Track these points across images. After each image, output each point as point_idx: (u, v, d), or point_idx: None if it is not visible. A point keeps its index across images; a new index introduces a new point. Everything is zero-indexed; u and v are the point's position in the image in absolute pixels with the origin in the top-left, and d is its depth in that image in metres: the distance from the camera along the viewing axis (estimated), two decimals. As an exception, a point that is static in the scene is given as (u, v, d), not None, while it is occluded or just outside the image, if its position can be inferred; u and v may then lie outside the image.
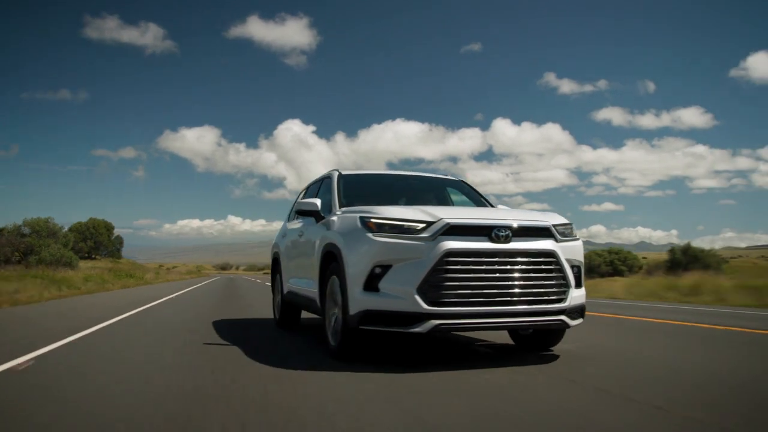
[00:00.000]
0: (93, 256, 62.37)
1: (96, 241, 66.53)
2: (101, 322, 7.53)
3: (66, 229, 40.68)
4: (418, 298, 3.99)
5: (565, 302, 4.31)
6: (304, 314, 7.00)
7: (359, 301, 4.18)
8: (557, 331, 4.87)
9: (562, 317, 4.31)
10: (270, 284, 7.96)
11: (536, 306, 4.21)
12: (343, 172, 5.88)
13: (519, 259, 4.18)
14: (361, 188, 5.76)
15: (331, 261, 4.80)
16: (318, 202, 5.35)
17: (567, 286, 4.34)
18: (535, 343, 5.04)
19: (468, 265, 4.06)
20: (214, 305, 11.70)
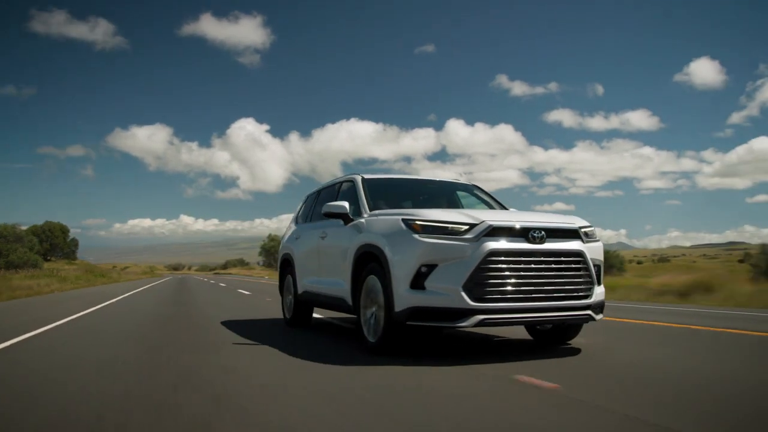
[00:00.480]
0: (48, 258, 61.43)
1: (52, 243, 66.78)
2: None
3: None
4: (464, 294, 4.30)
5: (591, 298, 4.71)
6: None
7: (406, 298, 4.46)
8: (576, 326, 5.26)
9: (589, 312, 4.70)
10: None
11: (567, 302, 4.58)
12: (366, 177, 6.14)
13: (552, 259, 4.55)
14: (381, 192, 6.01)
15: (368, 261, 5.07)
16: (346, 205, 5.59)
17: (592, 283, 4.74)
18: (553, 338, 5.42)
19: (508, 264, 4.40)
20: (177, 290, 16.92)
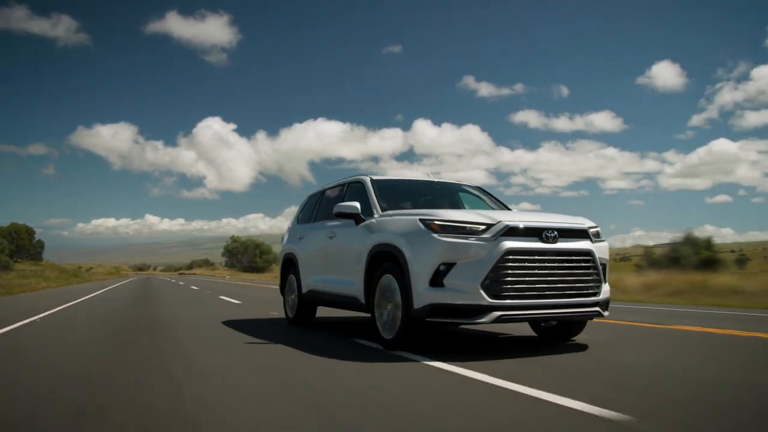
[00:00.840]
0: (16, 259, 60.69)
1: (18, 244, 66.18)
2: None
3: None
4: (482, 292, 4.48)
5: (599, 295, 4.94)
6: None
7: (426, 296, 4.62)
8: (580, 323, 5.49)
9: (597, 309, 4.92)
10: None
11: (578, 299, 4.80)
12: (374, 178, 6.28)
13: (564, 258, 4.76)
14: (386, 192, 6.13)
15: (383, 260, 5.21)
16: (358, 205, 5.72)
17: (600, 281, 4.97)
18: (558, 335, 5.64)
19: (524, 262, 4.59)
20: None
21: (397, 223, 5.16)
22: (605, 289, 5.03)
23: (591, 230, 5.04)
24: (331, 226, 6.44)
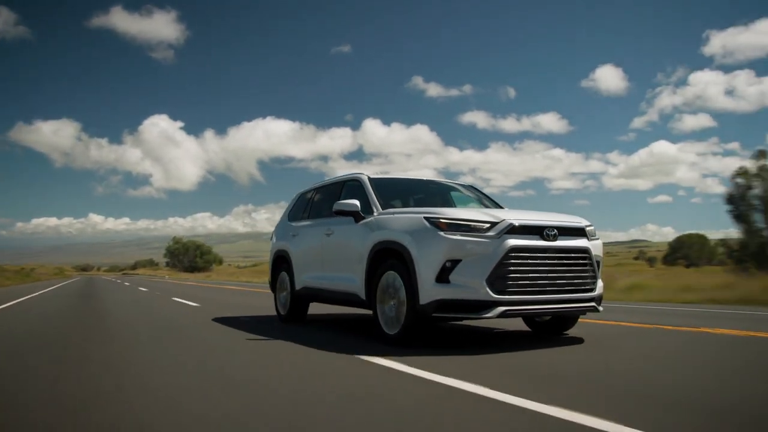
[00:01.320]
0: (-47, 259, 57.68)
1: None
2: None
3: None
4: (487, 288, 4.66)
5: (595, 291, 5.19)
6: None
7: (432, 292, 4.76)
8: (574, 317, 5.73)
9: (593, 304, 5.18)
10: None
11: (576, 294, 5.05)
12: (371, 176, 6.40)
13: (563, 255, 4.99)
14: (381, 191, 6.25)
15: (386, 257, 5.34)
16: (358, 203, 5.83)
17: (596, 277, 5.22)
18: (551, 329, 5.88)
19: (526, 259, 4.80)
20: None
21: (400, 220, 5.29)
22: (599, 285, 5.29)
23: (587, 228, 5.28)
24: (327, 224, 6.52)
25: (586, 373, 3.88)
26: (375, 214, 5.75)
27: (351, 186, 6.54)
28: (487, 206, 6.62)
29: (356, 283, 5.75)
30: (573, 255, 5.05)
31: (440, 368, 3.94)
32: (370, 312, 5.61)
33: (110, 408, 3.03)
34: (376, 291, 5.43)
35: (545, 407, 2.87)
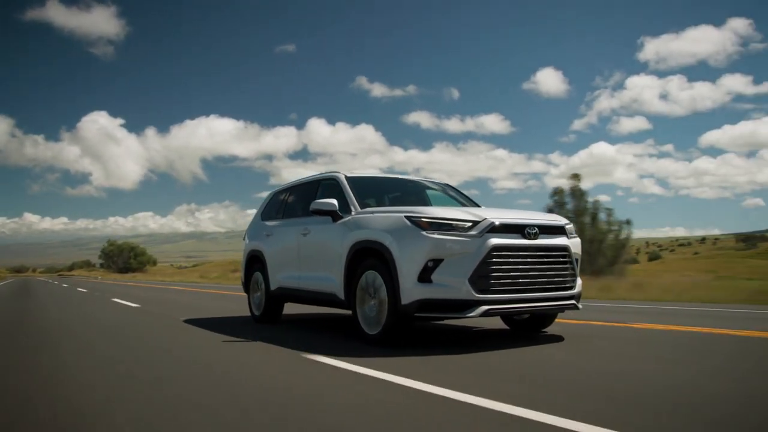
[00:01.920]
0: None
1: None
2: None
3: None
4: (470, 287, 4.63)
5: (575, 289, 5.20)
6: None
7: (414, 291, 4.71)
8: (553, 315, 5.74)
9: (573, 302, 5.18)
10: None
11: (556, 292, 5.05)
12: (348, 175, 6.31)
13: (544, 253, 4.99)
14: (361, 189, 6.18)
15: (366, 257, 5.27)
16: (335, 202, 5.75)
17: (575, 275, 5.23)
18: (529, 327, 5.88)
19: (508, 258, 4.78)
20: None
21: (381, 220, 5.22)
22: (579, 283, 5.30)
23: (566, 227, 5.29)
24: (303, 223, 6.42)
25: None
26: (353, 213, 5.68)
27: (327, 185, 6.45)
28: (465, 205, 6.59)
29: (334, 284, 5.67)
30: (553, 253, 5.05)
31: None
32: (348, 312, 5.55)
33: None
34: (355, 291, 5.35)
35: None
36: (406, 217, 4.94)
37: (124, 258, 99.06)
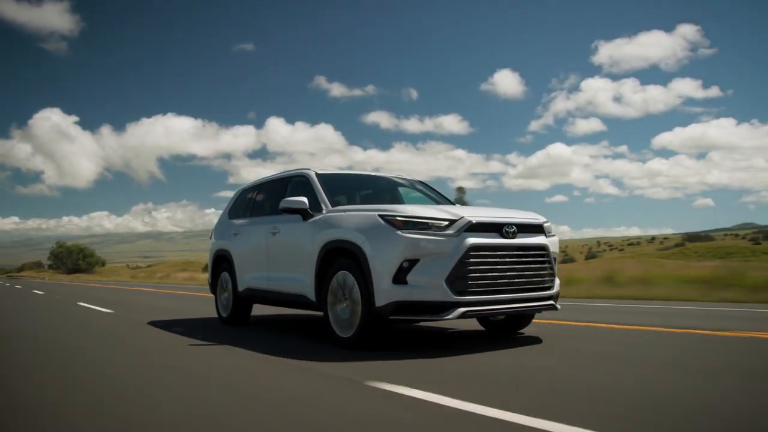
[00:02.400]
0: None
1: None
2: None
3: None
4: (447, 288, 4.45)
5: (553, 289, 5.07)
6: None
7: (388, 293, 4.52)
8: (530, 316, 5.60)
9: (551, 302, 5.05)
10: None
11: (535, 293, 4.91)
12: (319, 172, 6.09)
13: (523, 253, 4.84)
14: (332, 187, 5.96)
15: (338, 257, 5.06)
16: (306, 200, 5.52)
17: (553, 275, 5.10)
18: (506, 328, 5.73)
19: (486, 258, 4.62)
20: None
21: (353, 218, 5.02)
22: (557, 283, 5.17)
23: (545, 225, 5.15)
24: (272, 222, 6.17)
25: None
26: (324, 211, 5.46)
27: (297, 182, 6.21)
28: (439, 203, 6.43)
29: (305, 285, 5.45)
30: (532, 253, 4.91)
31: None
32: (318, 313, 5.33)
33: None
34: (326, 292, 5.14)
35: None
36: (379, 215, 4.75)
37: (73, 259, 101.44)
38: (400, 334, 5.89)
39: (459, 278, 4.49)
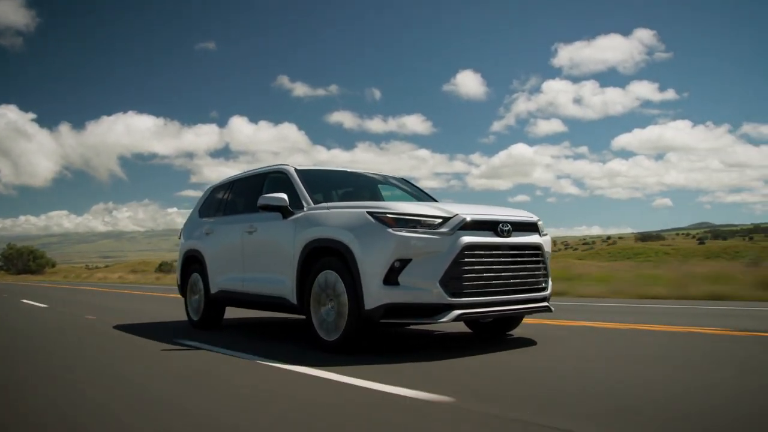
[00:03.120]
0: None
1: None
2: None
3: None
4: (441, 290, 4.21)
5: (547, 290, 4.87)
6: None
7: (379, 295, 4.25)
8: (519, 318, 5.39)
9: (546, 303, 4.85)
10: None
11: (530, 294, 4.71)
12: (298, 168, 5.78)
13: (518, 252, 4.64)
14: (312, 184, 5.66)
15: (322, 256, 4.77)
16: (286, 197, 5.21)
17: (547, 275, 4.91)
18: (494, 330, 5.51)
19: (482, 257, 4.40)
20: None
21: (339, 216, 4.74)
22: (550, 284, 4.98)
23: (538, 223, 4.97)
24: (249, 220, 5.82)
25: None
26: (306, 208, 5.16)
27: (275, 179, 5.88)
28: (422, 201, 6.18)
29: (285, 286, 5.14)
30: (527, 252, 4.71)
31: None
32: (297, 317, 5.03)
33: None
34: (309, 294, 4.84)
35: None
36: (369, 212, 4.48)
37: (23, 261, 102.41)
38: (387, 336, 5.63)
39: (454, 279, 4.26)
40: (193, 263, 6.88)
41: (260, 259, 5.61)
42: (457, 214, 4.41)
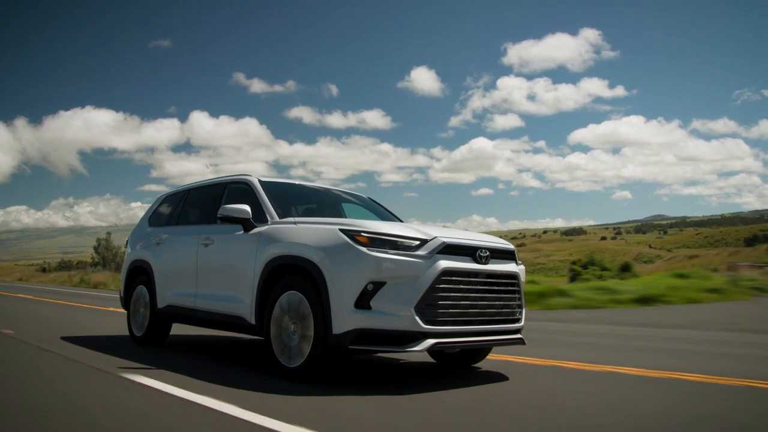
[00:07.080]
0: None
1: None
2: None
3: None
4: (416, 317, 3.95)
5: (521, 321, 4.67)
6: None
7: (349, 319, 3.96)
8: (487, 349, 5.16)
9: (520, 336, 4.65)
10: None
11: (505, 325, 4.51)
12: (262, 179, 5.44)
13: (494, 280, 4.43)
14: (275, 197, 5.31)
15: (286, 275, 4.45)
16: (249, 209, 4.87)
17: (522, 306, 4.71)
18: (460, 361, 5.25)
19: (459, 284, 4.17)
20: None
21: (307, 232, 4.42)
22: (524, 315, 4.78)
23: (515, 252, 4.78)
24: (205, 232, 5.43)
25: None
26: (270, 222, 4.83)
27: (236, 189, 5.52)
28: (394, 219, 5.94)
29: (243, 305, 4.77)
30: (504, 281, 4.51)
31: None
32: (255, 337, 4.66)
33: None
34: (270, 316, 4.49)
35: None
36: (341, 230, 4.19)
37: None
38: (345, 363, 5.30)
39: (429, 305, 4.01)
40: (139, 275, 6.37)
41: (216, 274, 5.21)
42: (435, 237, 4.18)
